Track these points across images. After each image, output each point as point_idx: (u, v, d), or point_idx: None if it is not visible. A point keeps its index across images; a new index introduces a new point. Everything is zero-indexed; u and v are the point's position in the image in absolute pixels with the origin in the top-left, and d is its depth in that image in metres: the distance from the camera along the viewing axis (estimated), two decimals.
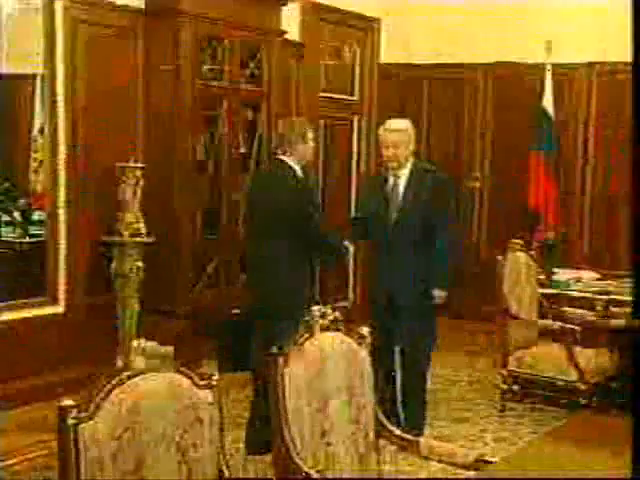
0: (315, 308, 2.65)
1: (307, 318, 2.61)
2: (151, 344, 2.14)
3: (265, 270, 3.99)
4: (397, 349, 4.27)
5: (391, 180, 4.23)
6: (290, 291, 3.91)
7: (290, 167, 4.00)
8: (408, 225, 4.16)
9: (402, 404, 4.28)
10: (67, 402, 1.95)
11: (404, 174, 4.20)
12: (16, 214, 5.07)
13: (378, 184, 4.33)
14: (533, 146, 6.65)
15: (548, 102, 6.60)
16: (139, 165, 5.12)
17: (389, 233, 4.20)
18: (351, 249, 4.62)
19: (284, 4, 5.93)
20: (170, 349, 2.16)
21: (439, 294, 4.21)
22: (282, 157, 4.02)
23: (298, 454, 2.45)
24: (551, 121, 6.61)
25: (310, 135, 4.08)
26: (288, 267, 3.93)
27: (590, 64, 6.70)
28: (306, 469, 2.42)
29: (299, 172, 4.03)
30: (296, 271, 3.95)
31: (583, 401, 4.50)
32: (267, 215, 3.98)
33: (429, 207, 4.16)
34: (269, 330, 3.75)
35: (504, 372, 4.82)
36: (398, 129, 4.21)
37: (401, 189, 4.19)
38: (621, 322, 4.59)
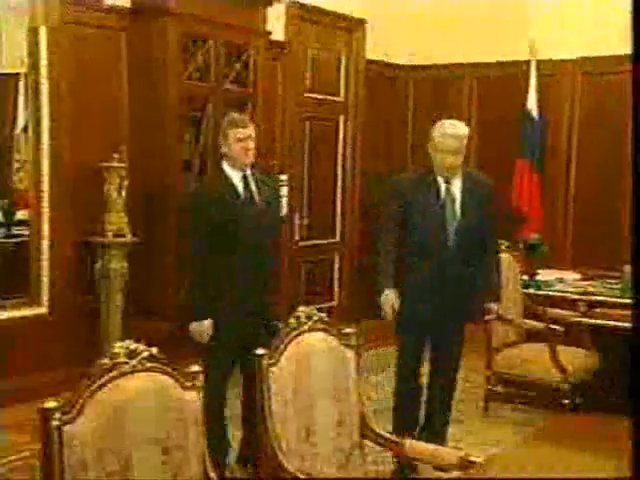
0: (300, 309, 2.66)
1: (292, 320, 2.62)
2: (136, 345, 2.14)
3: None
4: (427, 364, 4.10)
5: (443, 187, 3.79)
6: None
7: (221, 170, 3.65)
8: (467, 237, 3.79)
9: (429, 415, 4.17)
10: (50, 404, 1.94)
11: (457, 181, 3.81)
12: None
13: (427, 187, 3.80)
14: (519, 149, 6.67)
15: (533, 102, 6.62)
16: (124, 165, 5.09)
17: (448, 245, 3.78)
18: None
19: (269, 4, 5.93)
20: (155, 350, 2.16)
21: (495, 307, 4.03)
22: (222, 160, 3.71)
23: (284, 454, 2.45)
24: (536, 122, 6.63)
25: (234, 134, 3.52)
26: None
27: (575, 61, 6.68)
28: (292, 469, 2.43)
29: (230, 176, 3.59)
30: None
31: (566, 401, 4.53)
32: None
33: (483, 218, 3.84)
34: None
35: (488, 373, 4.84)
36: (461, 135, 3.74)
37: (457, 198, 3.79)
38: (608, 322, 4.61)
